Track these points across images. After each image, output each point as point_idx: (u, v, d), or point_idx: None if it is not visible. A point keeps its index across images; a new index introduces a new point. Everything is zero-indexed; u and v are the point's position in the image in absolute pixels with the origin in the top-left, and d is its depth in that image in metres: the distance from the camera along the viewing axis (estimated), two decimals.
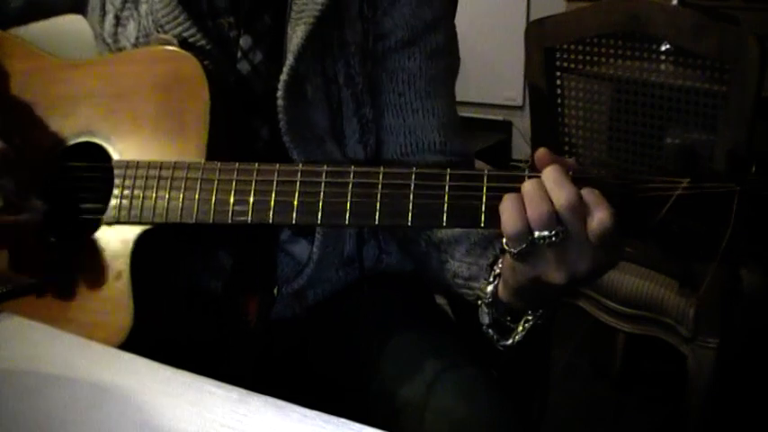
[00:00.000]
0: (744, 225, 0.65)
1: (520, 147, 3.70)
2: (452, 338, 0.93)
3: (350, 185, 0.74)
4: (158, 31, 0.92)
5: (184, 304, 0.93)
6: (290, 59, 0.87)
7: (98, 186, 0.87)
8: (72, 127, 0.90)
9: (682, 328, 1.53)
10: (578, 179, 0.67)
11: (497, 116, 3.77)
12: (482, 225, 0.69)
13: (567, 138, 1.68)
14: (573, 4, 2.40)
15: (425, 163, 0.95)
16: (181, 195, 0.81)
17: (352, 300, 0.99)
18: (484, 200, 0.69)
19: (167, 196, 0.81)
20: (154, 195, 0.82)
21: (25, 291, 0.87)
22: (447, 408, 0.83)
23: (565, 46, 1.58)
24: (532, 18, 2.82)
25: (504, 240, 0.68)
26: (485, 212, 0.69)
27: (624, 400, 2.12)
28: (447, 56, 0.98)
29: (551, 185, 0.66)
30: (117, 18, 0.98)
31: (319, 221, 0.75)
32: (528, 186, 0.67)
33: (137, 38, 0.96)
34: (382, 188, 0.73)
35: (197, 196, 0.80)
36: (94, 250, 0.85)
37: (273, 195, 0.76)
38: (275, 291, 0.93)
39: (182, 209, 0.81)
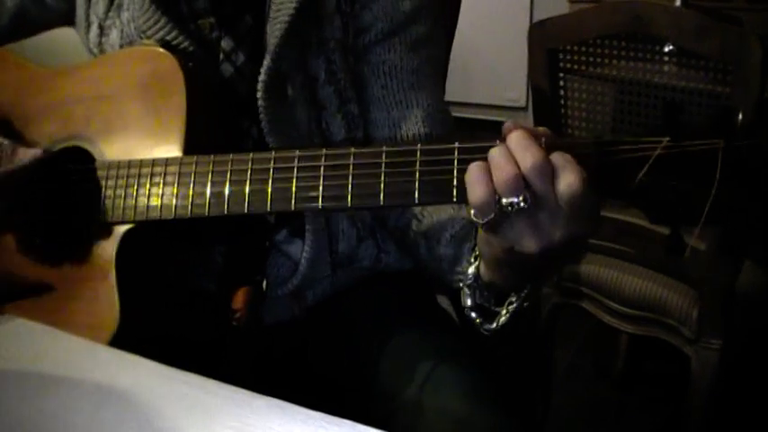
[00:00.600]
0: (731, 181, 0.61)
1: None
2: (453, 338, 0.93)
3: (322, 169, 0.73)
4: (141, 37, 0.92)
5: (175, 302, 0.93)
6: (267, 59, 0.87)
7: (84, 189, 0.88)
8: (58, 132, 0.92)
9: (685, 330, 1.53)
10: (551, 144, 0.65)
11: (500, 117, 3.76)
12: (455, 199, 0.68)
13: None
14: (576, 5, 2.40)
15: None
16: (160, 191, 0.81)
17: (351, 300, 0.99)
18: (455, 173, 0.68)
19: (147, 193, 0.82)
20: (135, 194, 0.83)
21: (16, 295, 0.88)
22: (448, 408, 0.83)
23: (568, 47, 1.58)
24: (535, 19, 2.83)
25: (472, 211, 0.65)
26: (457, 186, 0.67)
27: (626, 401, 2.12)
28: (430, 46, 0.97)
29: (516, 149, 0.63)
30: (101, 28, 0.99)
31: (293, 207, 0.74)
32: (493, 151, 0.64)
33: (120, 45, 0.97)
34: (353, 169, 0.72)
35: (175, 191, 0.80)
36: (81, 252, 0.86)
37: (248, 184, 0.76)
38: (264, 285, 0.93)
39: (161, 205, 0.81)
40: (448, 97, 1.09)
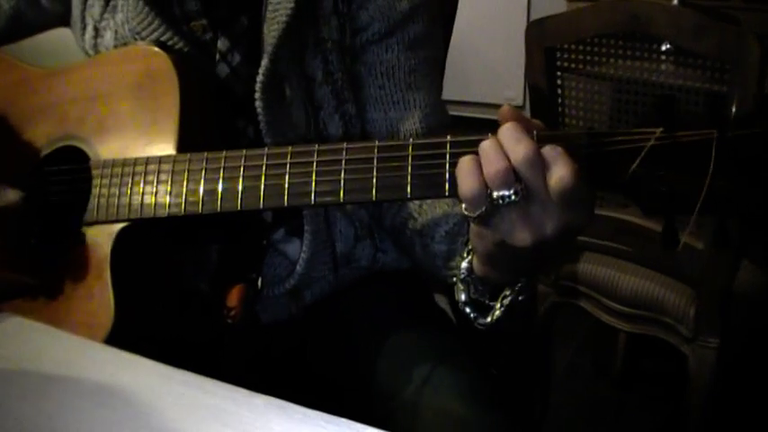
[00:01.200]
0: (726, 173, 0.61)
1: None
2: (452, 337, 0.93)
3: (314, 165, 0.73)
4: (135, 39, 0.92)
5: (170, 300, 0.93)
6: (265, 60, 0.87)
7: (79, 188, 0.88)
8: (53, 133, 0.92)
9: (682, 328, 1.53)
10: (543, 137, 0.64)
11: (498, 116, 3.76)
12: (446, 193, 0.68)
13: None
14: (573, 3, 2.39)
15: None
16: (153, 189, 0.81)
17: (349, 299, 0.99)
18: (447, 167, 0.67)
19: (141, 192, 0.82)
20: (129, 192, 0.83)
21: (11, 294, 0.88)
22: (446, 407, 0.83)
23: (565, 46, 1.58)
24: (533, 18, 2.82)
25: (463, 205, 0.65)
26: (448, 180, 0.67)
27: (625, 399, 2.12)
28: (427, 46, 0.97)
29: (508, 141, 0.63)
30: (96, 29, 0.99)
31: (286, 203, 0.74)
32: (484, 144, 0.64)
33: (115, 46, 0.97)
34: (345, 164, 0.72)
35: (168, 189, 0.80)
36: (76, 251, 0.86)
37: (241, 181, 0.76)
38: (259, 283, 0.93)
39: (155, 203, 0.81)
40: (445, 96, 1.09)
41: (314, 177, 0.73)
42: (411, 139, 0.70)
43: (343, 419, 0.58)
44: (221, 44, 0.91)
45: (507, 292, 0.73)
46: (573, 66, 1.60)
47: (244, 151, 0.77)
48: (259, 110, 0.88)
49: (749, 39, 1.30)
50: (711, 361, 1.51)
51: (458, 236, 0.84)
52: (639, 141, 0.63)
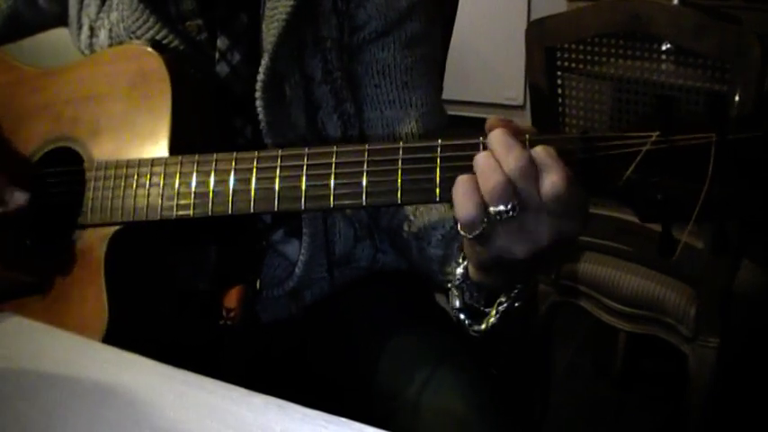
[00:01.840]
0: (725, 177, 0.59)
1: None
2: (452, 337, 0.93)
3: (304, 168, 0.72)
4: (131, 38, 0.92)
5: (165, 303, 0.93)
6: (265, 59, 0.87)
7: (73, 190, 0.88)
8: (49, 133, 0.92)
9: (682, 328, 1.53)
10: (535, 142, 0.63)
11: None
12: (437, 198, 0.67)
13: None
14: (574, 3, 2.39)
15: None
16: (146, 192, 0.81)
17: (349, 299, 0.99)
18: (438, 172, 0.67)
19: (134, 195, 0.81)
20: (122, 195, 0.82)
21: (5, 296, 0.88)
22: (446, 407, 0.83)
23: (566, 45, 1.58)
24: (533, 17, 2.82)
25: (459, 225, 0.63)
26: (440, 185, 0.66)
27: (625, 399, 2.12)
28: (424, 45, 0.96)
29: (499, 150, 0.61)
30: (91, 29, 0.99)
31: (276, 208, 0.74)
32: (479, 158, 0.63)
33: (110, 45, 0.97)
34: (336, 168, 0.71)
35: (160, 192, 0.80)
36: (70, 254, 0.86)
37: (232, 184, 0.76)
38: (258, 284, 0.93)
39: (147, 206, 0.81)
40: (445, 95, 1.09)
41: (304, 181, 0.72)
42: (401, 143, 0.69)
43: (344, 419, 0.58)
44: (221, 43, 0.91)
45: (503, 299, 0.72)
46: (573, 65, 1.60)
47: (234, 154, 0.77)
48: (259, 109, 0.88)
49: (749, 38, 1.30)
50: (711, 361, 1.51)
51: (453, 240, 0.83)
52: (635, 146, 0.62)
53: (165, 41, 0.90)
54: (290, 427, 0.58)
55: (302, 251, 0.93)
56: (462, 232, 0.64)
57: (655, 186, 0.62)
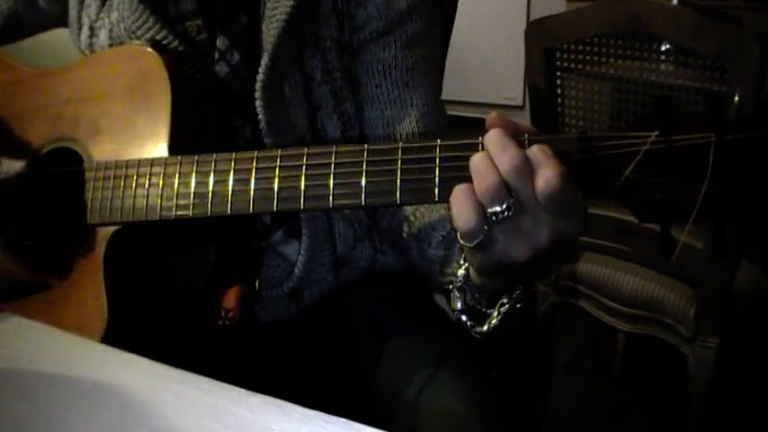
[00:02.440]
0: (724, 178, 0.59)
1: None
2: (451, 338, 0.93)
3: (303, 168, 0.72)
4: (131, 38, 0.92)
5: (164, 303, 0.93)
6: (265, 59, 0.87)
7: (72, 191, 0.88)
8: (48, 133, 0.92)
9: (682, 328, 1.53)
10: (534, 141, 0.63)
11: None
12: (436, 198, 0.67)
13: None
14: (573, 3, 2.40)
15: None
16: (145, 193, 0.81)
17: (349, 300, 0.99)
18: (437, 172, 0.67)
19: (133, 195, 0.82)
20: (121, 195, 0.82)
21: (4, 297, 0.88)
22: (446, 407, 0.83)
23: (565, 46, 1.58)
24: (532, 18, 2.82)
25: (459, 234, 0.63)
26: (438, 185, 0.66)
27: (625, 399, 2.12)
28: (425, 45, 0.96)
29: (494, 150, 0.62)
30: (91, 29, 0.99)
31: (275, 208, 0.74)
32: (474, 159, 0.63)
33: (110, 45, 0.97)
34: (335, 168, 0.71)
35: (159, 192, 0.80)
36: (69, 254, 0.86)
37: (231, 184, 0.76)
38: (257, 284, 0.93)
39: (146, 206, 0.81)
40: (445, 96, 1.09)
41: (303, 181, 0.72)
42: (400, 143, 0.69)
43: (343, 419, 0.58)
44: (220, 43, 0.91)
45: (505, 300, 0.72)
46: (573, 66, 1.60)
47: (234, 154, 0.77)
48: (259, 109, 0.88)
49: (749, 38, 1.30)
50: (711, 361, 1.51)
51: (454, 241, 0.83)
52: (634, 146, 0.62)
53: (164, 42, 0.90)
54: (289, 427, 0.58)
55: (302, 252, 0.93)
56: (462, 241, 0.64)
57: (654, 186, 0.62)
